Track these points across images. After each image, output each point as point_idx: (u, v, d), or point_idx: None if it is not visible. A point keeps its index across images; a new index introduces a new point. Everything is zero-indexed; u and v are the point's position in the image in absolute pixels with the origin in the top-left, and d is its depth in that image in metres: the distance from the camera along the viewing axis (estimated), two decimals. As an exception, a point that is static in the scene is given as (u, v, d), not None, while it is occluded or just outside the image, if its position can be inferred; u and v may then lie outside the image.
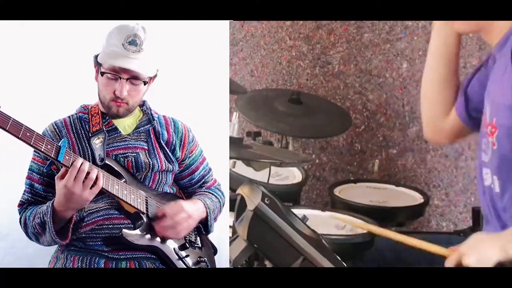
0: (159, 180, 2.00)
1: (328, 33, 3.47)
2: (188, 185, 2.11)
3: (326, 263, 1.55)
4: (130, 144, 1.96)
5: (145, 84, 1.93)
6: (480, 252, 1.44)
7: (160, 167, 1.97)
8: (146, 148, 1.98)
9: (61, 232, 1.83)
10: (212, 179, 2.17)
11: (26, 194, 1.94)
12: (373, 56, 3.47)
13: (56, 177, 1.79)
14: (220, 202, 2.13)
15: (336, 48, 3.48)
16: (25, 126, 1.69)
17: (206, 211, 2.02)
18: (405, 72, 3.48)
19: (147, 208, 1.91)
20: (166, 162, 2.00)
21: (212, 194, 2.12)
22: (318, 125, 2.96)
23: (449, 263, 1.48)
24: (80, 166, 1.75)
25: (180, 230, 1.93)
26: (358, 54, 3.48)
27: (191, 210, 1.96)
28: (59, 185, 1.77)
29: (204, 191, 2.12)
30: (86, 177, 1.75)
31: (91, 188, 1.76)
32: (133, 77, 1.89)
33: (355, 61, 3.49)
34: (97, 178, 1.77)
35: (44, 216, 1.82)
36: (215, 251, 2.11)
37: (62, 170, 1.77)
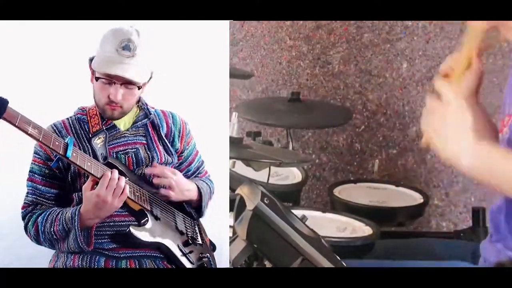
0: None
1: (328, 33, 3.47)
2: (184, 177, 2.12)
3: (325, 263, 1.55)
4: (129, 140, 1.98)
5: (139, 89, 1.94)
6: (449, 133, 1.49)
7: (159, 159, 1.99)
8: (145, 142, 2.00)
9: (83, 238, 1.85)
10: (204, 170, 2.20)
11: (30, 196, 1.95)
12: (373, 56, 3.47)
13: (83, 188, 1.82)
14: (211, 190, 2.16)
15: (336, 48, 3.48)
16: (33, 122, 1.71)
17: (200, 193, 2.05)
18: (405, 72, 3.48)
19: (151, 205, 1.92)
20: (165, 154, 2.02)
21: (204, 181, 2.15)
22: (319, 117, 2.97)
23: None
24: (111, 174, 1.79)
25: (166, 182, 1.94)
26: (358, 54, 3.47)
27: (181, 180, 1.99)
28: (88, 194, 1.81)
29: (198, 179, 2.15)
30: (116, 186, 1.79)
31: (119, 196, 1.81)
32: (127, 82, 1.91)
33: (355, 61, 3.49)
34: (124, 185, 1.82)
35: (68, 223, 1.84)
36: (214, 247, 2.12)
37: (89, 181, 1.81)
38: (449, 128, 1.49)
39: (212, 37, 2.46)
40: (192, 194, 2.04)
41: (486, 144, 1.47)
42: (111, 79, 1.89)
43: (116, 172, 1.82)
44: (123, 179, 1.82)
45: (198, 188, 2.05)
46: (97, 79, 1.90)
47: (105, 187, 1.78)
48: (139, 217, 1.90)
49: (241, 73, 3.02)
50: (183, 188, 2.00)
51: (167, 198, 1.98)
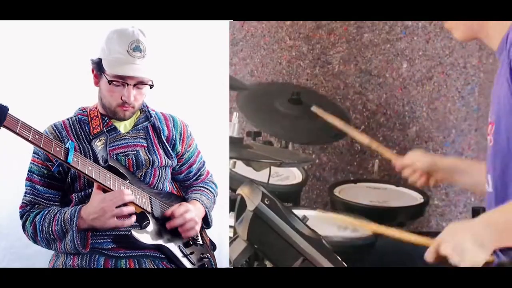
0: (159, 176, 2.02)
1: (328, 33, 3.47)
2: (185, 178, 2.14)
3: (326, 263, 1.55)
4: (129, 142, 1.98)
5: (151, 88, 1.94)
6: (454, 240, 1.47)
7: (160, 162, 1.99)
8: (145, 145, 2.00)
9: (80, 240, 1.86)
10: (205, 171, 2.20)
11: (28, 195, 1.95)
12: (373, 56, 3.47)
13: (93, 192, 1.83)
14: (214, 195, 2.18)
15: (336, 48, 3.48)
16: (34, 128, 1.71)
17: (205, 210, 2.05)
18: (405, 72, 3.49)
19: (152, 207, 1.92)
20: (165, 157, 2.02)
21: (206, 188, 2.16)
22: (317, 129, 2.94)
23: (428, 254, 1.51)
24: (126, 195, 1.80)
25: (189, 228, 1.96)
26: (358, 54, 3.48)
27: (195, 211, 2.00)
28: (96, 197, 1.81)
29: (199, 187, 2.15)
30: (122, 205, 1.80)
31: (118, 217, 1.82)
32: (139, 82, 1.91)
33: (355, 61, 3.49)
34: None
35: (66, 224, 1.84)
36: (214, 247, 2.13)
37: (98, 186, 1.82)
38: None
39: (212, 37, 2.46)
40: (201, 213, 2.05)
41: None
42: (124, 81, 1.89)
43: (130, 196, 1.81)
44: (129, 209, 1.81)
45: (202, 204, 2.07)
46: (109, 82, 1.90)
47: (112, 198, 1.79)
48: (141, 219, 1.90)
49: (238, 84, 3.01)
50: (200, 216, 2.02)
51: (196, 233, 2.01)
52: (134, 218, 1.83)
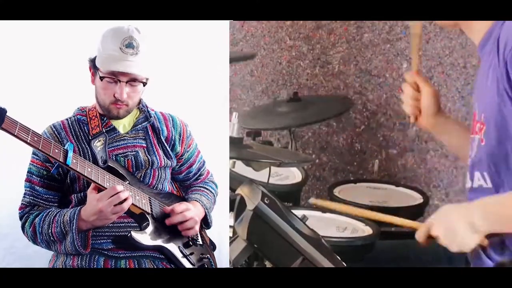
0: (159, 176, 2.01)
1: (328, 33, 3.47)
2: (185, 178, 2.14)
3: (325, 263, 1.55)
4: (129, 143, 1.97)
5: (144, 85, 1.94)
6: (447, 223, 1.52)
7: (159, 163, 1.99)
8: (145, 145, 1.99)
9: (80, 241, 1.85)
10: (206, 171, 2.20)
11: (28, 196, 1.95)
12: (373, 56, 3.47)
13: (88, 191, 1.82)
14: (214, 195, 2.17)
15: (336, 48, 3.48)
16: (32, 130, 1.71)
17: (205, 211, 2.05)
18: (405, 72, 3.48)
19: (151, 208, 1.92)
20: (165, 158, 2.01)
21: (206, 189, 2.15)
22: (319, 110, 2.98)
23: (419, 235, 1.57)
24: (118, 192, 1.78)
25: (189, 227, 1.95)
26: (358, 54, 3.47)
27: (195, 211, 1.99)
28: (91, 196, 1.80)
29: (199, 187, 2.15)
30: (119, 203, 1.79)
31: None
32: (132, 79, 1.90)
33: (355, 61, 3.48)
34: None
35: (66, 226, 1.84)
36: (214, 247, 2.13)
37: (93, 186, 1.81)
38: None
39: (212, 37, 2.46)
40: (200, 214, 2.05)
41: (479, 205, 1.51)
42: (116, 78, 1.89)
43: (125, 192, 1.80)
44: (128, 202, 1.81)
45: (202, 205, 2.06)
46: (101, 78, 1.89)
47: (108, 197, 1.78)
48: (140, 220, 1.90)
49: (243, 55, 3.00)
50: (199, 216, 2.02)
51: (196, 233, 2.01)
52: (130, 200, 1.82)
